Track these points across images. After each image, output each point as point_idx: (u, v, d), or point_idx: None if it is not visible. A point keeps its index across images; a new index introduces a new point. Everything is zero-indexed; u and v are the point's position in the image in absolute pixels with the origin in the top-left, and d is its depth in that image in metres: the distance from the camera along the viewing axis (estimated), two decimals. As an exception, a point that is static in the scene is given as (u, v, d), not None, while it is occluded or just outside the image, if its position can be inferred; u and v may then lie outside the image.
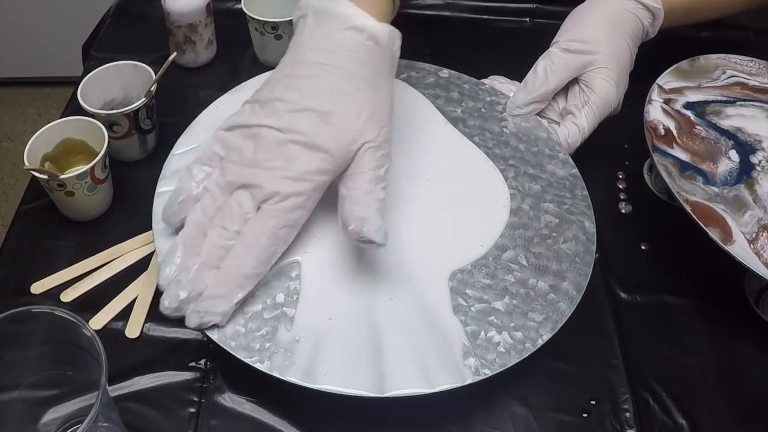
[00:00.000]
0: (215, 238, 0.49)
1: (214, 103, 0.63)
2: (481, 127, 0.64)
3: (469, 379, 0.48)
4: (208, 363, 0.55)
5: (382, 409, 0.53)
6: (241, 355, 0.48)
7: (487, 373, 0.48)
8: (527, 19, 0.86)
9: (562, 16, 0.70)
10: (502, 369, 0.49)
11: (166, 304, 0.48)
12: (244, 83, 0.65)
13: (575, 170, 0.62)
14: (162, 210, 0.52)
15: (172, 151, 0.59)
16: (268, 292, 0.51)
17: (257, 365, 0.48)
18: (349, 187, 0.50)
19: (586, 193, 0.60)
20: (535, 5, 0.86)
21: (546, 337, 0.50)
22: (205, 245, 0.49)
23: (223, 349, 0.47)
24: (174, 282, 0.48)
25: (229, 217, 0.49)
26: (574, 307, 0.52)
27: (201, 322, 0.48)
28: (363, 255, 0.54)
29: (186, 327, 0.49)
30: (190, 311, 0.48)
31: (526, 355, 0.49)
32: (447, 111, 0.65)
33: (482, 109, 0.66)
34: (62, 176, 0.59)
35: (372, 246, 0.49)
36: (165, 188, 0.56)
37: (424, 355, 0.49)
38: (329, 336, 0.49)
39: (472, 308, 0.52)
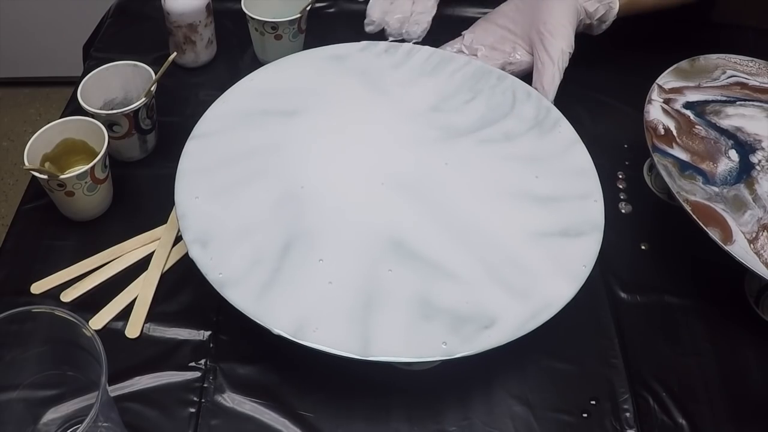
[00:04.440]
0: None
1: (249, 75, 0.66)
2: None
3: (454, 355, 0.48)
4: (208, 363, 0.55)
5: (383, 408, 0.53)
6: (239, 305, 0.49)
7: (470, 351, 0.48)
8: None
9: None
10: (487, 349, 0.48)
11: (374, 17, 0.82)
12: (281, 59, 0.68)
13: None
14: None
15: (205, 114, 0.62)
16: (272, 255, 0.53)
17: (255, 318, 0.49)
18: None
19: None
20: None
21: (535, 324, 0.50)
22: None
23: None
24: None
25: None
26: (572, 296, 0.51)
27: (408, 31, 0.81)
28: (365, 235, 0.55)
29: None
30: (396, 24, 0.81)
31: (512, 338, 0.49)
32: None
33: None
34: (62, 176, 0.59)
35: None
36: (192, 147, 0.59)
37: (414, 326, 0.50)
38: (326, 298, 0.51)
39: (466, 290, 0.52)
